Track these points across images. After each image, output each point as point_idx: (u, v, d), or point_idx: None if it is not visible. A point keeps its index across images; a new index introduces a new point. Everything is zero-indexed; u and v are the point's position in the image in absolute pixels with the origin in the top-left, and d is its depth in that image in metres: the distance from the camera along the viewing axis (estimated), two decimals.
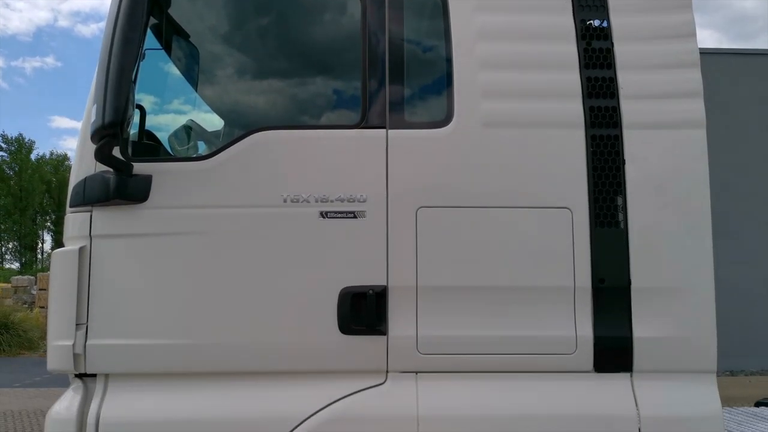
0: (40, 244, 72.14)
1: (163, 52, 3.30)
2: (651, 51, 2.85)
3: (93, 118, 2.57)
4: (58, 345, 2.70)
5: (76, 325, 2.69)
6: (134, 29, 2.61)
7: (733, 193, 8.91)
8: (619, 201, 2.75)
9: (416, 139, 2.78)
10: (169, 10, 3.06)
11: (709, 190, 2.78)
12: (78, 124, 2.93)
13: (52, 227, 68.70)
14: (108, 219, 2.74)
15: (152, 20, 2.89)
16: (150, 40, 3.03)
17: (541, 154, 2.77)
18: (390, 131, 2.77)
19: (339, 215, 2.71)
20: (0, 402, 9.88)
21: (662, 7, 2.89)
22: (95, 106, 2.58)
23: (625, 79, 2.82)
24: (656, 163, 2.78)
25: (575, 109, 2.80)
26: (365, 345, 2.68)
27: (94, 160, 2.67)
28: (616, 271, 2.72)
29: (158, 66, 3.41)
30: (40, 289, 18.72)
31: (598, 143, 2.78)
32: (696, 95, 2.82)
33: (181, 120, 3.48)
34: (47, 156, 71.85)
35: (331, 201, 2.71)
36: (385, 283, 2.69)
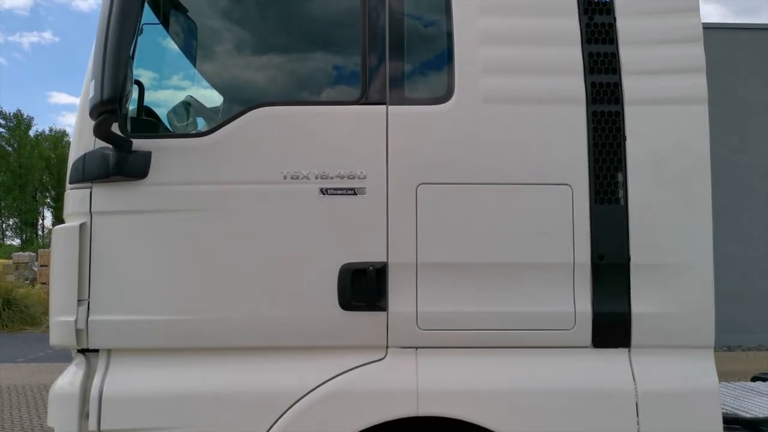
0: (40, 221, 72.29)
1: (161, 27, 3.27)
2: (653, 26, 2.83)
3: (91, 94, 2.56)
4: (61, 321, 2.72)
5: (78, 301, 2.71)
6: (132, 3, 2.58)
7: (734, 168, 8.89)
8: (620, 177, 2.75)
9: (416, 116, 2.77)
10: None
11: (709, 167, 2.77)
12: (77, 100, 2.92)
13: (52, 204, 68.74)
14: (108, 195, 2.74)
15: None
16: (148, 14, 3.01)
17: (541, 130, 2.76)
18: (390, 107, 2.76)
19: (339, 192, 2.71)
20: (4, 377, 9.98)
21: None
22: (93, 81, 2.56)
23: (627, 55, 2.80)
24: (657, 140, 2.77)
25: (576, 84, 2.78)
26: (365, 321, 2.69)
27: (93, 137, 2.67)
28: (615, 247, 2.73)
29: (156, 41, 3.38)
30: (41, 266, 18.80)
31: (599, 119, 2.77)
32: (698, 71, 2.81)
33: (180, 96, 3.47)
34: (46, 132, 71.70)
35: (331, 178, 2.71)
36: (385, 260, 2.70)
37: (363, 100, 2.79)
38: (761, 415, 3.51)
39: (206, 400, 2.68)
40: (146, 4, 2.85)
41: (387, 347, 2.72)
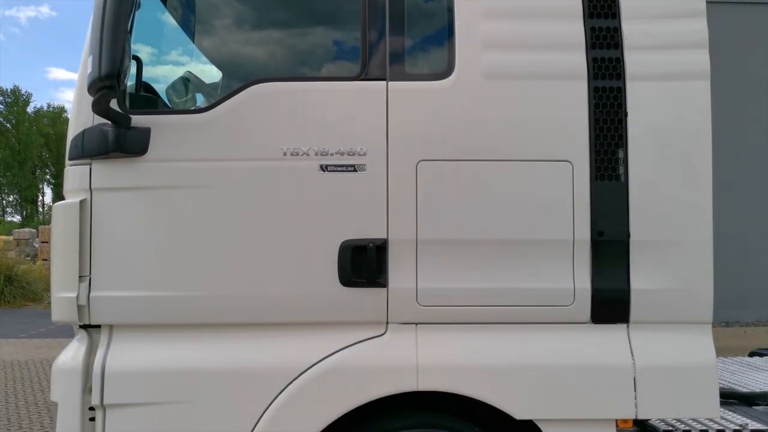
0: (40, 197, 72.26)
1: (159, 1, 3.24)
2: (656, 0, 2.80)
3: (89, 70, 2.54)
4: (62, 297, 2.73)
5: (80, 277, 2.72)
6: None
7: (734, 144, 8.85)
8: (620, 154, 2.74)
9: (417, 92, 2.75)
10: None
11: (710, 143, 2.76)
12: (75, 76, 2.89)
13: (51, 180, 68.65)
14: (108, 172, 2.74)
15: None
16: None
17: (542, 106, 2.75)
18: (390, 83, 2.74)
19: (339, 168, 2.70)
20: (7, 352, 10.06)
21: None
22: (91, 57, 2.54)
23: (629, 30, 2.77)
24: (659, 116, 2.76)
25: (578, 60, 2.76)
26: (365, 297, 2.71)
27: (92, 113, 2.66)
28: (615, 224, 2.73)
29: (154, 16, 3.34)
30: (42, 242, 18.84)
31: (600, 95, 2.75)
32: (701, 46, 2.78)
33: (179, 72, 3.44)
34: (44, 108, 71.29)
35: (331, 154, 2.70)
36: (385, 236, 2.70)
37: (363, 75, 2.77)
38: (758, 390, 3.55)
39: (208, 375, 2.70)
40: None
41: (387, 323, 2.74)
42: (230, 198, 2.73)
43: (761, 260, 9.53)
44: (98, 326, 2.78)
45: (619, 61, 2.76)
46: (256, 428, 2.65)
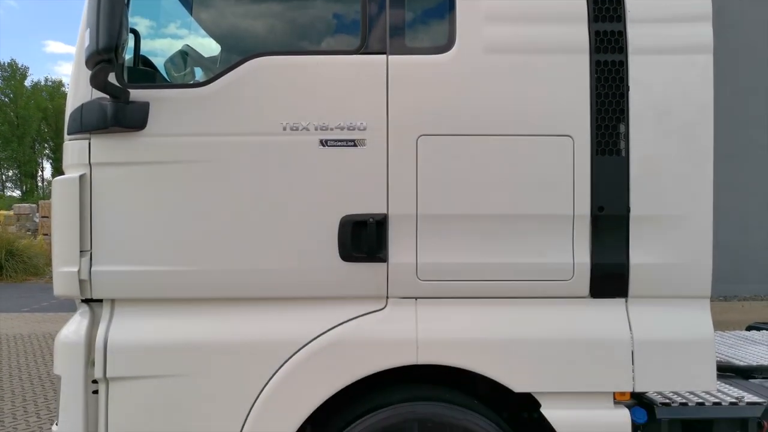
0: (40, 172, 72.11)
1: None
2: None
3: (87, 43, 2.52)
4: (64, 272, 2.74)
5: (81, 252, 2.72)
6: None
7: (735, 117, 8.80)
8: (621, 128, 2.73)
9: (417, 66, 2.73)
10: None
11: (712, 117, 2.75)
12: (73, 49, 2.86)
13: (51, 155, 68.45)
14: (107, 147, 2.73)
15: None
16: None
17: (543, 80, 2.73)
18: (390, 57, 2.72)
19: (339, 143, 2.69)
20: (10, 326, 10.14)
21: None
22: (88, 30, 2.52)
23: (632, 2, 2.74)
24: (661, 90, 2.74)
25: (580, 33, 2.73)
26: (366, 272, 2.72)
27: (90, 87, 2.63)
28: (615, 198, 2.73)
29: None
30: (42, 217, 18.88)
31: (602, 69, 2.73)
32: (704, 19, 2.75)
33: (177, 45, 3.40)
34: (42, 82, 70.81)
35: (331, 129, 2.69)
36: (385, 211, 2.70)
37: (363, 49, 2.74)
38: (754, 363, 3.59)
39: (210, 349, 2.72)
40: None
41: (387, 298, 2.75)
42: (230, 173, 2.72)
43: (760, 235, 9.54)
44: (100, 300, 2.80)
45: (622, 35, 2.73)
46: (257, 401, 2.68)
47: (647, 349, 2.72)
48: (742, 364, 3.58)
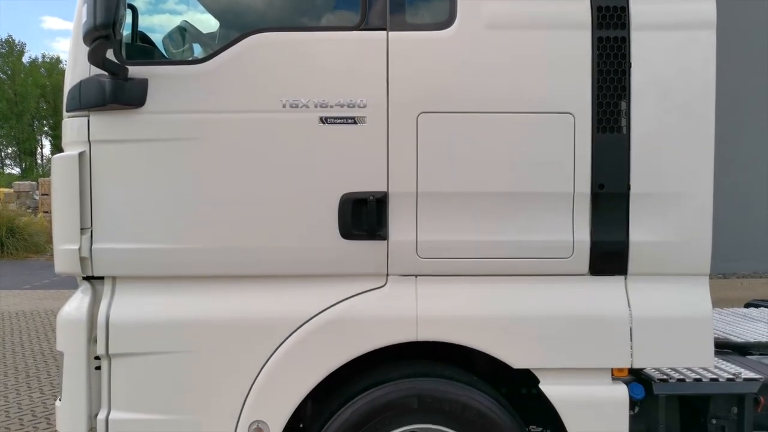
0: (39, 149, 71.88)
1: None
2: None
3: (84, 19, 2.49)
4: (65, 249, 2.75)
5: (81, 229, 2.73)
6: None
7: (736, 93, 8.74)
8: (623, 106, 2.71)
9: (417, 42, 2.70)
10: None
11: (714, 94, 2.73)
12: (70, 25, 2.84)
13: (50, 132, 68.15)
14: (106, 124, 2.72)
15: None
16: None
17: (545, 57, 2.71)
18: (391, 33, 2.69)
19: (339, 121, 2.68)
20: (12, 302, 10.20)
21: None
22: (86, 5, 2.49)
23: None
24: (663, 67, 2.72)
25: (582, 9, 2.71)
26: (366, 250, 2.72)
27: (88, 63, 2.62)
28: (616, 176, 2.72)
29: None
30: (42, 194, 18.86)
31: (604, 45, 2.70)
32: None
33: (175, 21, 3.37)
34: (40, 59, 70.25)
35: (331, 106, 2.68)
36: (385, 189, 2.70)
37: (363, 25, 2.72)
38: (752, 340, 3.61)
39: (211, 326, 2.74)
40: None
41: (387, 275, 2.76)
42: (229, 151, 2.71)
43: (760, 213, 9.54)
44: (101, 278, 2.81)
45: (624, 10, 2.70)
46: (258, 377, 2.71)
47: (646, 326, 2.74)
48: (739, 340, 3.60)
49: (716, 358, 3.05)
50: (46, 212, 17.06)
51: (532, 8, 2.70)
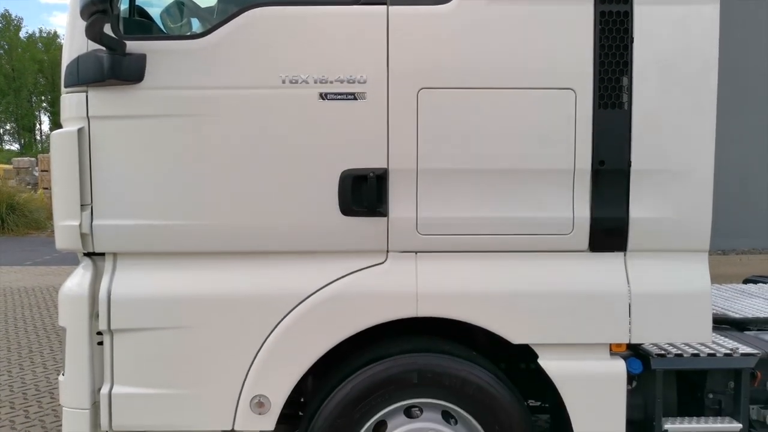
0: (38, 125, 71.58)
1: None
2: None
3: None
4: (65, 225, 2.75)
5: (81, 205, 2.73)
6: None
7: (737, 69, 8.69)
8: (625, 81, 2.69)
9: (418, 16, 2.67)
10: None
11: (717, 70, 2.71)
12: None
13: (48, 108, 67.80)
14: (104, 100, 2.70)
15: None
16: None
17: (546, 31, 2.68)
18: (391, 7, 2.66)
19: (339, 97, 2.66)
20: (14, 278, 10.24)
21: None
22: None
23: None
24: (665, 41, 2.69)
25: None
26: (366, 226, 2.72)
27: (86, 39, 2.59)
28: (616, 153, 2.72)
29: None
30: (42, 171, 18.83)
31: (606, 20, 2.67)
32: None
33: None
34: (37, 34, 69.64)
35: (331, 82, 2.66)
36: (385, 166, 2.69)
37: None
38: (750, 315, 3.63)
39: (211, 302, 2.76)
40: None
41: (387, 252, 2.77)
42: (229, 127, 2.70)
43: (760, 189, 9.53)
44: (102, 254, 2.82)
45: None
46: (259, 353, 2.73)
47: (644, 301, 2.75)
48: (737, 316, 3.63)
49: (714, 334, 3.07)
50: (46, 188, 17.05)
51: None
